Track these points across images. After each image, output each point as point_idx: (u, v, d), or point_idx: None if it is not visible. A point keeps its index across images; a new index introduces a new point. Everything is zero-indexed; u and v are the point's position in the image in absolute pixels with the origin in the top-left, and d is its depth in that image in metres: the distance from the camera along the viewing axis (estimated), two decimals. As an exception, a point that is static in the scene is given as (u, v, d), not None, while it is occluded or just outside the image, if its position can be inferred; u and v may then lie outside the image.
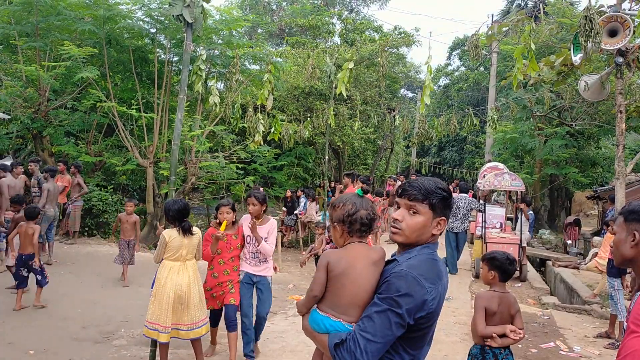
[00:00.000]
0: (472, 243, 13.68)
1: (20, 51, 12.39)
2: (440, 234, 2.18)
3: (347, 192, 9.41)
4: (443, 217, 2.15)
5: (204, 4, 4.79)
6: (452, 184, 21.80)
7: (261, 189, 5.76)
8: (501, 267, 3.92)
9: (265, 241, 5.26)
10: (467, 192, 11.56)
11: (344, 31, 22.49)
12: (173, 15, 4.65)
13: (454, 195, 13.18)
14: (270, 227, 5.37)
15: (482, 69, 29.72)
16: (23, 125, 12.55)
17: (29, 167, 10.11)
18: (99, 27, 11.91)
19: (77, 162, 11.62)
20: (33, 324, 6.03)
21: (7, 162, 11.09)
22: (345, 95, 8.48)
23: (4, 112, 12.34)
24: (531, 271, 11.81)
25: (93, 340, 5.71)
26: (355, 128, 14.07)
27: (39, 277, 6.61)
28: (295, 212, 13.65)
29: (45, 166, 10.38)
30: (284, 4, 28.69)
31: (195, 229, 5.05)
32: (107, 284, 8.15)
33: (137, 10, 12.36)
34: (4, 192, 8.45)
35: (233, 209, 5.21)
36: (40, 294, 6.67)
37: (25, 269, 6.58)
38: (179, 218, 4.89)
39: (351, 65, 7.88)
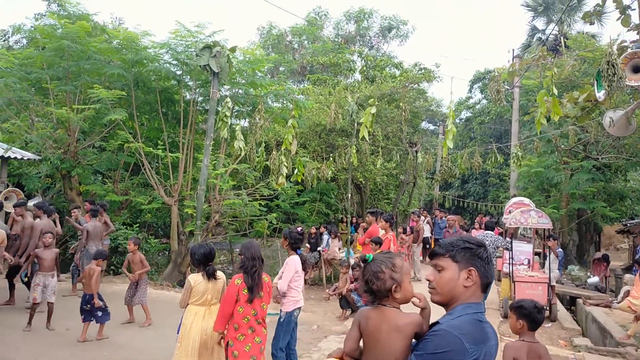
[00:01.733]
0: (499, 281, 13.38)
1: (51, 94, 12.84)
2: (473, 284, 2.11)
3: (371, 230, 9.37)
4: (471, 268, 2.10)
5: (230, 53, 4.92)
6: (477, 218, 21.54)
7: (299, 228, 5.79)
8: (529, 316, 3.83)
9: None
10: (493, 230, 11.39)
11: (364, 68, 22.78)
12: (200, 65, 4.79)
13: (478, 232, 13.02)
14: (284, 264, 5.50)
15: (502, 102, 29.60)
16: (53, 166, 12.89)
17: (73, 213, 10.56)
18: (127, 70, 12.32)
19: (103, 202, 11.85)
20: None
21: (36, 201, 11.38)
22: (367, 139, 8.56)
23: (34, 153, 12.74)
24: (561, 310, 11.46)
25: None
26: (378, 165, 14.10)
27: (99, 314, 7.01)
28: (318, 249, 13.59)
29: (91, 207, 10.76)
30: (306, 42, 29.27)
31: (219, 274, 5.08)
32: (132, 324, 8.14)
33: (164, 53, 12.76)
34: (35, 236, 8.61)
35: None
36: (102, 329, 7.12)
37: (88, 306, 6.95)
38: (204, 262, 4.96)
39: (374, 110, 7.97)
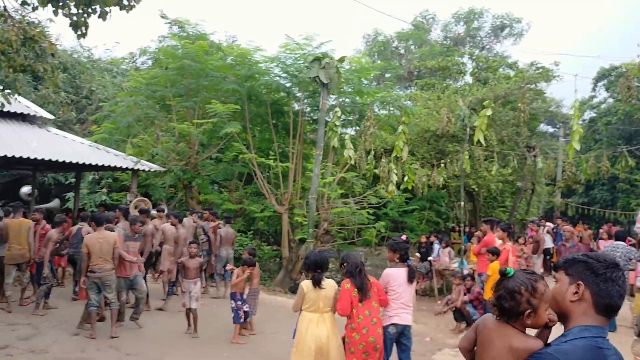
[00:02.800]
0: (632, 295, 12.03)
1: (174, 110, 13.82)
2: (579, 300, 1.92)
3: (486, 239, 8.86)
4: (579, 282, 1.93)
5: (338, 64, 4.91)
6: (604, 227, 19.65)
7: (403, 237, 5.62)
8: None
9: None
10: (624, 240, 10.29)
11: (475, 70, 21.90)
12: (310, 77, 4.84)
13: (607, 243, 11.83)
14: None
15: (634, 100, 26.90)
16: (176, 177, 13.85)
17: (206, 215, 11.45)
18: (241, 85, 12.94)
19: (213, 210, 12.59)
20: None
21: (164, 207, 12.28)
22: (483, 142, 8.12)
23: (160, 165, 13.78)
24: None
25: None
26: (493, 172, 13.38)
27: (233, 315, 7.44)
28: (429, 258, 13.19)
29: (224, 214, 11.55)
30: (412, 47, 28.85)
31: (330, 282, 5.08)
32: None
33: (274, 67, 13.21)
34: (180, 241, 9.39)
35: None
36: (237, 329, 7.46)
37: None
38: (313, 269, 5.03)
39: (489, 112, 7.54)
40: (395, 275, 5.31)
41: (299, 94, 13.73)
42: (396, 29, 30.57)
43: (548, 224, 16.88)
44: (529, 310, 2.08)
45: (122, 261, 7.61)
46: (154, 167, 13.66)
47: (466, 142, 12.17)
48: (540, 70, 18.02)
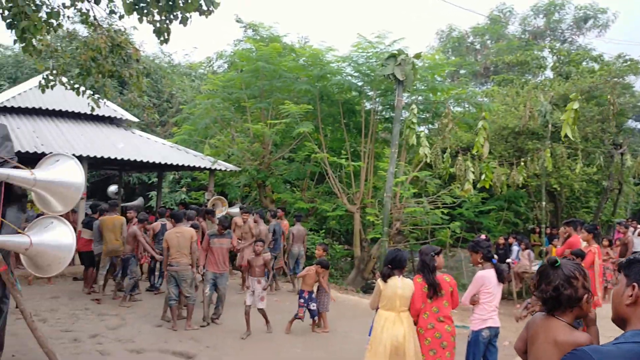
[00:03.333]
0: None
1: (248, 112, 14.20)
2: (635, 303, 1.80)
3: (571, 240, 8.38)
4: (634, 283, 1.81)
5: (414, 60, 4.84)
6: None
7: (482, 236, 5.48)
8: None
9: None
10: None
11: (556, 64, 20.83)
12: (385, 75, 4.80)
13: None
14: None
15: None
16: (250, 176, 14.24)
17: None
18: (313, 85, 13.09)
19: (283, 207, 12.87)
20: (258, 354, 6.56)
21: (237, 208, 12.64)
22: (571, 137, 7.70)
23: (235, 165, 14.22)
24: None
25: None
26: (577, 170, 12.66)
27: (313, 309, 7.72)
28: (508, 260, 12.69)
29: (295, 213, 11.97)
30: (489, 42, 27.90)
31: (406, 282, 5.02)
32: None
33: (346, 66, 13.25)
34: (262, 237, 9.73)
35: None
36: (314, 323, 7.76)
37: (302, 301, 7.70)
38: (389, 266, 4.97)
39: (576, 105, 7.13)
40: (489, 277, 5.15)
41: (370, 93, 13.68)
42: (471, 24, 29.71)
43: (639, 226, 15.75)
44: (586, 295, 2.11)
45: (211, 256, 7.88)
46: (230, 166, 14.11)
47: (547, 139, 11.61)
48: (629, 62, 16.83)
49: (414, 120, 9.43)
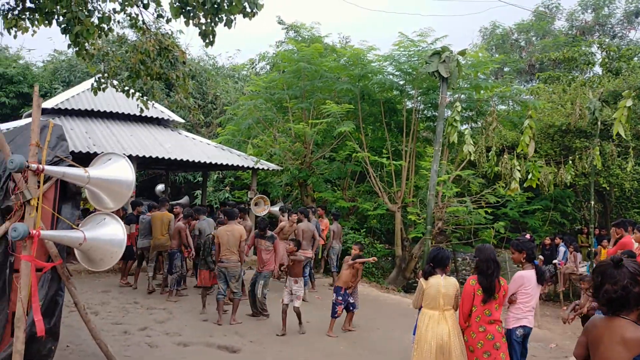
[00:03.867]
0: None
1: (290, 112, 14.37)
2: None
3: (624, 241, 8.11)
4: None
5: (459, 57, 4.81)
6: None
7: (527, 235, 5.40)
8: None
9: None
10: None
11: (606, 60, 20.08)
12: (429, 72, 4.79)
13: None
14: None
15: None
16: (292, 175, 14.40)
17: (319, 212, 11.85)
18: (354, 84, 13.12)
19: (324, 206, 12.93)
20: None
21: (278, 207, 12.84)
22: (624, 135, 7.45)
23: (277, 164, 14.41)
24: None
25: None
26: (628, 169, 12.20)
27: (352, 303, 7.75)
28: (554, 261, 12.37)
29: (332, 211, 12.31)
30: (534, 39, 27.21)
31: (450, 280, 5.01)
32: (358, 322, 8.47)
33: (388, 65, 13.21)
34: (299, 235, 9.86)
35: None
36: (332, 323, 7.57)
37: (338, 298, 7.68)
38: (431, 264, 4.97)
39: (629, 102, 6.90)
40: (529, 278, 5.09)
41: (412, 92, 13.60)
42: (515, 20, 28.97)
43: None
44: None
45: (258, 256, 8.27)
46: (272, 166, 14.31)
47: (596, 137, 11.25)
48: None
49: (457, 117, 9.28)
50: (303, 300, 7.74)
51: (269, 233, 8.45)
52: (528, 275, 5.10)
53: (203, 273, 8.49)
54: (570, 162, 12.05)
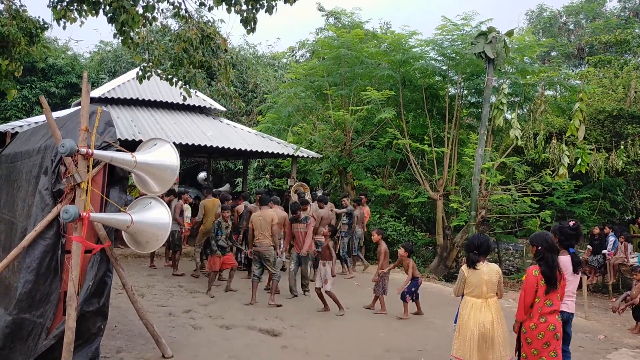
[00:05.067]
0: None
1: (330, 99, 14.31)
2: None
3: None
4: None
5: (506, 38, 4.65)
6: None
7: (571, 222, 5.20)
8: None
9: None
10: None
11: (661, 42, 19.14)
12: (475, 54, 4.65)
13: None
14: None
15: None
16: (331, 163, 14.37)
17: (343, 202, 11.83)
18: (395, 70, 12.93)
19: (365, 194, 12.98)
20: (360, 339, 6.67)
21: (320, 194, 12.87)
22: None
23: (317, 152, 14.42)
24: None
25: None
26: (683, 155, 11.63)
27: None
28: (603, 251, 11.95)
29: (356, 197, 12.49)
30: (583, 21, 26.15)
31: (492, 267, 4.91)
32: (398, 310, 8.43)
33: (430, 50, 12.96)
34: (320, 221, 10.05)
35: None
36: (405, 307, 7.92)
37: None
38: (471, 250, 4.86)
39: (687, 85, 6.54)
40: (564, 262, 4.93)
41: (455, 77, 13.30)
42: (564, 3, 27.87)
43: None
44: None
45: (296, 239, 8.61)
46: (312, 153, 14.33)
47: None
48: None
49: (504, 100, 9.01)
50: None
51: (302, 215, 8.68)
52: (563, 259, 4.93)
53: (211, 259, 8.80)
54: (622, 147, 11.56)
